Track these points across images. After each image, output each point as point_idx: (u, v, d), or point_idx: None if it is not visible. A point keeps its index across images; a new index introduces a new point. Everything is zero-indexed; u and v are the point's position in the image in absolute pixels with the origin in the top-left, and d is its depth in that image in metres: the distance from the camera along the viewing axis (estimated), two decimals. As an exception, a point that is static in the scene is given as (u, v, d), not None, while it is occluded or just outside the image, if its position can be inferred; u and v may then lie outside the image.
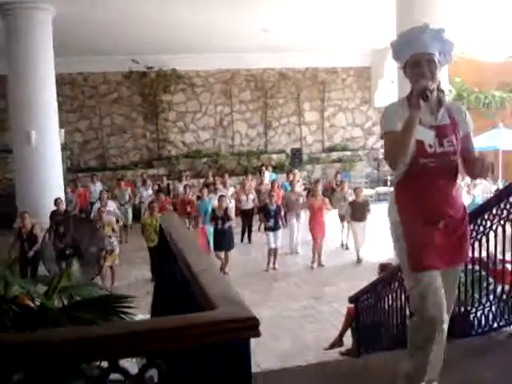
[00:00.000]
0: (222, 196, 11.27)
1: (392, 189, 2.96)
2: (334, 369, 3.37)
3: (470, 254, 3.44)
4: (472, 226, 3.56)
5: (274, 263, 10.82)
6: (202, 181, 16.69)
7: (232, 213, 11.68)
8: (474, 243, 3.68)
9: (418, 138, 2.62)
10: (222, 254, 10.70)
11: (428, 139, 2.65)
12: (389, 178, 16.65)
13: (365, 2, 12.32)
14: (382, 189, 17.68)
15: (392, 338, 4.78)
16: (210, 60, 17.74)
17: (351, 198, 11.55)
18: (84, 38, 14.24)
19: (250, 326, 1.30)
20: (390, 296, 4.87)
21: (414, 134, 2.58)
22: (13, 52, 10.74)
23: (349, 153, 19.62)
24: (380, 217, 11.71)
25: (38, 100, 10.88)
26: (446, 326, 2.71)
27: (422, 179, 2.68)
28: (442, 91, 2.78)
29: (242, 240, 13.11)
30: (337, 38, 16.16)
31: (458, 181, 2.87)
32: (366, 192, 13.72)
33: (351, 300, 5.99)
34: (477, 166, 2.64)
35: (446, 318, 2.71)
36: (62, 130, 12.01)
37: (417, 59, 2.69)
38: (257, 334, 1.30)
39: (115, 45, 15.37)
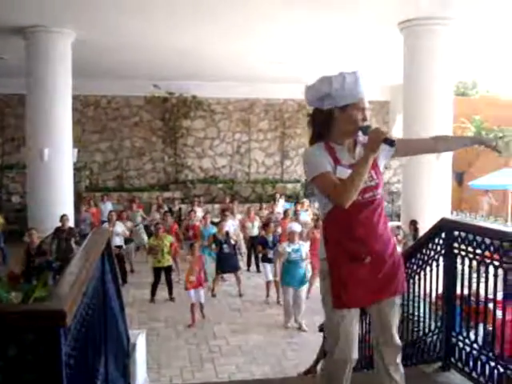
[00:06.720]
0: (221, 221, 11.45)
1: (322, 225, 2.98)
2: None
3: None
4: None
5: (278, 297, 10.46)
6: (216, 206, 16.96)
7: (236, 238, 11.72)
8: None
9: (340, 177, 2.69)
10: (232, 278, 10.98)
11: None
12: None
13: (378, 42, 12.55)
14: (395, 223, 17.62)
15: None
16: (230, 88, 18.18)
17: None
18: (107, 62, 14.76)
19: (56, 317, 1.46)
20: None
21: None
22: (32, 73, 11.21)
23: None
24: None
25: (53, 119, 11.27)
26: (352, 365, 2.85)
27: (348, 215, 2.73)
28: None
29: (248, 267, 13.11)
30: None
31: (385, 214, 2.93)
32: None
33: (320, 329, 6.03)
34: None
35: (355, 358, 2.83)
36: (75, 150, 12.36)
37: (361, 104, 2.77)
38: (62, 324, 1.46)
39: (137, 70, 15.86)
